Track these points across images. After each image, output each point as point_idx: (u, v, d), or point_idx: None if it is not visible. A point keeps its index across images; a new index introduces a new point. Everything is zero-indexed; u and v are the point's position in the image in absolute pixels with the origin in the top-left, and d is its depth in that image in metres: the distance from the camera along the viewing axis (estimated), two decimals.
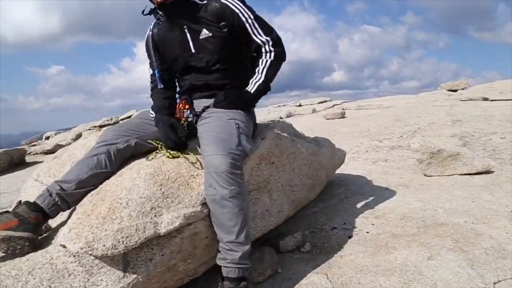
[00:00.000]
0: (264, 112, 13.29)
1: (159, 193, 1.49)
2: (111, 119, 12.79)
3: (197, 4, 1.69)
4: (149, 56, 1.86)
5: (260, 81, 1.72)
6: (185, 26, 1.70)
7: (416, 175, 3.38)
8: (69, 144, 11.49)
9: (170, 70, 1.85)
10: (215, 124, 1.62)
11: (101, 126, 11.94)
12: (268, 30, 1.73)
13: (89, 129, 12.17)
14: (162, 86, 1.82)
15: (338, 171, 3.06)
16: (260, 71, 1.73)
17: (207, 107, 1.76)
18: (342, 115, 8.77)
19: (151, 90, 1.89)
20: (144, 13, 1.70)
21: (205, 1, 1.70)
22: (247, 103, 1.73)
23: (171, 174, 1.57)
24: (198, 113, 1.77)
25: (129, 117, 11.87)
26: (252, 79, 1.75)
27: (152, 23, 1.85)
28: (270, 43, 1.71)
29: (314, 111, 12.85)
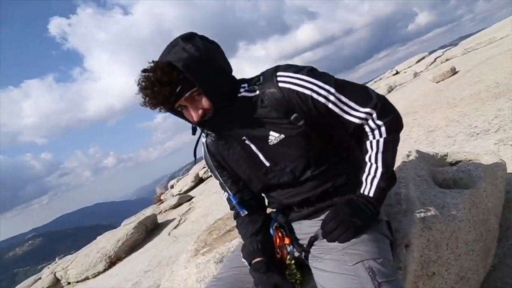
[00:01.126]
0: None
1: None
2: None
3: (249, 100, 1.21)
4: (214, 176, 1.45)
5: (378, 174, 1.20)
6: (243, 137, 1.26)
7: None
8: (191, 188, 12.38)
9: (249, 187, 1.42)
10: (336, 277, 1.13)
11: None
12: (364, 98, 1.17)
13: (203, 167, 12.87)
14: (246, 213, 1.41)
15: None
16: (373, 160, 1.21)
17: (315, 238, 1.28)
18: (453, 71, 7.58)
19: (235, 219, 1.52)
20: (192, 133, 1.33)
21: (257, 92, 1.22)
22: (369, 219, 1.21)
23: None
24: (305, 246, 1.31)
25: None
26: (365, 174, 1.23)
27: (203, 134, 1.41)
28: (374, 115, 1.16)
29: (416, 74, 11.54)
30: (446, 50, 13.29)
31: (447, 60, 11.53)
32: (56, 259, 13.80)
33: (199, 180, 12.86)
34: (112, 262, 6.21)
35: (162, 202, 11.74)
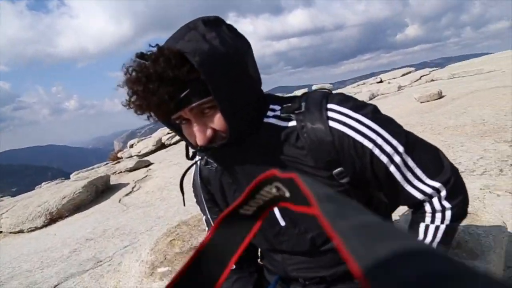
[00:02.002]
0: None
1: None
2: None
3: (278, 132, 0.86)
4: (200, 207, 1.12)
5: None
6: None
7: None
8: (151, 152, 11.91)
9: None
10: None
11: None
12: (435, 167, 0.85)
13: (168, 133, 12.44)
14: (234, 267, 1.08)
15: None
16: None
17: None
18: (439, 95, 7.58)
19: None
20: (189, 156, 0.92)
21: (293, 123, 0.85)
22: None
23: None
24: None
25: None
26: None
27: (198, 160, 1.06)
28: (443, 193, 0.85)
29: (400, 88, 11.55)
30: (432, 70, 13.39)
31: (432, 80, 11.62)
32: None
33: (161, 145, 12.42)
34: (53, 219, 5.76)
35: (119, 162, 11.25)
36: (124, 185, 7.26)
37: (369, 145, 0.81)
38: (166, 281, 1.30)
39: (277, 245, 0.99)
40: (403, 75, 14.43)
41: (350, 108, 0.83)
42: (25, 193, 8.34)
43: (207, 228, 1.14)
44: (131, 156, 12.79)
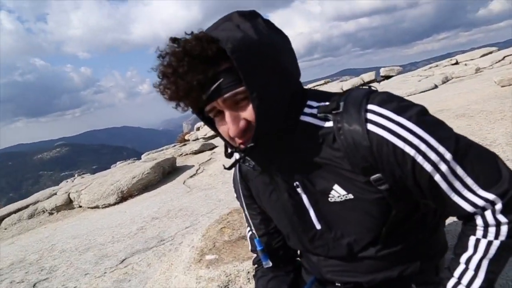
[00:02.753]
0: (413, 81, 11.52)
1: None
2: None
3: (315, 131, 0.81)
4: (240, 203, 1.11)
5: (475, 286, 0.79)
6: (296, 182, 0.87)
7: None
8: (216, 135, 12.24)
9: (280, 232, 1.06)
10: None
11: None
12: (490, 176, 0.75)
13: None
14: (271, 265, 1.07)
15: None
16: (472, 264, 0.79)
17: None
18: None
19: (253, 265, 1.18)
20: (227, 155, 0.90)
21: (330, 123, 0.80)
22: None
23: None
24: None
25: None
26: (454, 280, 0.81)
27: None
28: (498, 206, 0.75)
29: (478, 70, 10.55)
30: None
31: None
32: (75, 174, 14.31)
33: None
34: (124, 197, 6.22)
35: (185, 144, 11.75)
36: (189, 167, 7.58)
37: (411, 152, 0.73)
38: (211, 269, 1.33)
39: (312, 249, 0.95)
40: (483, 55, 13.16)
41: (393, 110, 0.75)
42: (101, 172, 9.08)
43: (247, 225, 1.13)
44: (197, 139, 13.31)
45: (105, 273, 3.17)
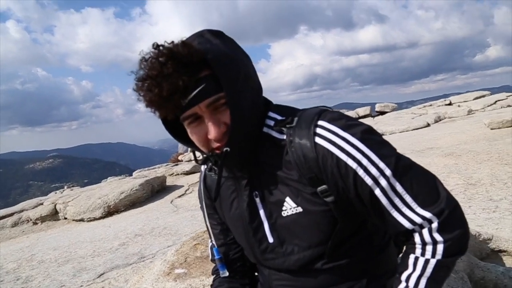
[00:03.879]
0: (407, 118, 11.76)
1: None
2: None
3: (273, 143, 0.87)
4: (203, 214, 1.14)
5: None
6: (256, 192, 0.91)
7: None
8: None
9: (239, 244, 1.10)
10: None
11: None
12: (428, 195, 0.80)
13: None
14: (227, 274, 1.10)
15: None
16: (411, 283, 0.82)
17: None
18: None
19: (212, 275, 1.19)
20: (197, 162, 0.95)
21: (284, 137, 0.86)
22: None
23: None
24: None
25: None
26: None
27: (203, 167, 1.12)
28: (434, 225, 0.79)
29: (470, 112, 10.80)
30: (510, 95, 12.35)
31: (508, 106, 10.74)
32: (65, 186, 14.16)
33: None
34: (110, 212, 6.17)
35: (177, 164, 11.75)
36: (179, 187, 7.56)
37: (353, 165, 0.79)
38: (178, 282, 1.35)
39: (263, 261, 0.99)
40: (476, 98, 13.47)
41: (340, 126, 0.81)
42: (90, 186, 9.01)
43: (208, 233, 1.17)
44: (190, 160, 13.30)
45: (81, 286, 3.14)
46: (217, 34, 0.84)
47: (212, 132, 0.81)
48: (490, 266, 1.52)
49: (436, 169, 4.84)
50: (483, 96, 14.04)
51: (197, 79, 0.77)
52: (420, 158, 5.53)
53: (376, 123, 12.00)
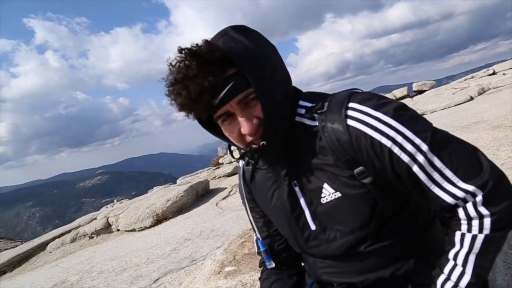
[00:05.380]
0: (448, 94, 11.21)
1: None
2: None
3: (307, 131, 0.87)
4: (245, 208, 1.16)
5: (463, 284, 0.79)
6: (294, 181, 0.92)
7: None
8: None
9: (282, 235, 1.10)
10: None
11: None
12: (470, 168, 0.76)
13: None
14: (274, 266, 1.11)
15: None
16: (460, 260, 0.79)
17: None
18: None
19: (259, 267, 1.20)
20: (234, 158, 0.97)
21: (316, 122, 0.86)
22: None
23: None
24: None
25: None
26: (443, 277, 0.82)
27: (241, 163, 1.13)
28: (479, 198, 0.75)
29: None
30: None
31: None
32: (115, 200, 14.80)
33: None
34: (159, 220, 6.38)
35: (219, 167, 11.94)
36: (222, 189, 7.69)
37: (388, 143, 0.77)
38: (229, 280, 1.37)
39: (307, 249, 0.98)
40: None
41: (371, 106, 0.80)
42: (138, 197, 9.36)
43: (251, 226, 1.17)
44: (230, 162, 13.48)
45: None
46: (241, 29, 0.84)
47: (246, 127, 0.81)
48: None
49: (484, 144, 4.59)
50: None
51: (225, 78, 0.77)
52: (466, 134, 5.27)
53: (415, 104, 11.56)
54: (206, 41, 0.79)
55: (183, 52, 0.78)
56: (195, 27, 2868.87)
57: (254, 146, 0.86)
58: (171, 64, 0.79)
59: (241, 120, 0.82)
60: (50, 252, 6.93)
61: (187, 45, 0.78)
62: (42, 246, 7.16)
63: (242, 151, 0.92)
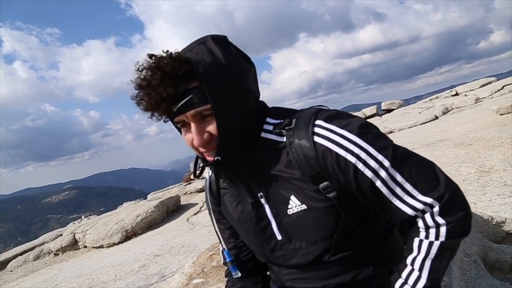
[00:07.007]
0: (414, 113, 11.68)
1: None
2: None
3: (273, 146, 0.91)
4: (211, 219, 1.17)
5: (419, 287, 0.84)
6: (260, 193, 0.95)
7: None
8: None
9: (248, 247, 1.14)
10: None
11: None
12: (428, 182, 0.82)
13: None
14: (239, 275, 1.14)
15: None
16: (416, 265, 0.85)
17: None
18: None
19: (226, 277, 1.23)
20: (197, 167, 0.99)
21: (284, 139, 0.90)
22: None
23: None
24: None
25: None
26: (401, 281, 0.87)
27: (207, 175, 1.16)
28: (436, 209, 0.81)
29: (477, 100, 10.69)
30: None
31: None
32: (82, 216, 14.33)
33: None
34: (128, 236, 6.23)
35: (190, 183, 11.81)
36: (193, 205, 7.60)
37: (352, 159, 0.82)
38: None
39: (273, 259, 1.02)
40: (482, 86, 13.34)
41: (337, 124, 0.85)
42: (107, 212, 9.10)
43: (218, 238, 1.20)
44: (203, 178, 13.36)
45: None
46: (220, 41, 0.87)
47: (196, 140, 0.86)
48: (504, 247, 1.51)
49: (447, 161, 4.80)
50: (490, 82, 13.90)
51: (185, 90, 0.81)
52: (430, 151, 5.50)
53: (383, 122, 11.95)
54: (171, 55, 0.82)
55: (150, 60, 0.82)
56: (169, 41, 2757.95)
57: (209, 158, 0.90)
58: (138, 69, 0.83)
59: (194, 132, 0.86)
60: (11, 271, 6.59)
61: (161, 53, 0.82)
62: (2, 265, 6.80)
63: (201, 165, 0.96)
